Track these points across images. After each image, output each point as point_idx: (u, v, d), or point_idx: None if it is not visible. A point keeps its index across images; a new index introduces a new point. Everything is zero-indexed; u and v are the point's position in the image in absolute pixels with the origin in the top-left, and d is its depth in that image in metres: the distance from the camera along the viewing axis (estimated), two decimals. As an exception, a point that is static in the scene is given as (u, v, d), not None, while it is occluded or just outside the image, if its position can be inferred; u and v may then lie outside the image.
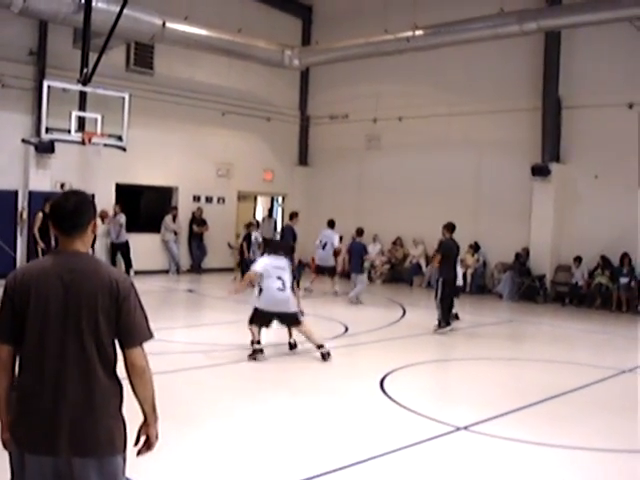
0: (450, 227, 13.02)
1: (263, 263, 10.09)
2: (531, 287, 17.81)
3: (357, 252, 16.67)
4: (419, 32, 17.70)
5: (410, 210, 20.65)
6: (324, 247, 17.59)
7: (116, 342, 3.18)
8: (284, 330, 10.28)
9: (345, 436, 6.71)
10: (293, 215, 17.68)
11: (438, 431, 6.91)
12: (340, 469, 5.78)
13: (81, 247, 3.20)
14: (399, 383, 8.86)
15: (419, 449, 6.42)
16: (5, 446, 3.13)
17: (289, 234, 17.10)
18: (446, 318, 12.66)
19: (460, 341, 12.24)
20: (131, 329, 3.15)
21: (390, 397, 8.08)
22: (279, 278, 9.81)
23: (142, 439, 3.29)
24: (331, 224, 18.03)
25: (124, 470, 3.16)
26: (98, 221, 3.34)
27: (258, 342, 9.79)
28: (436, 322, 12.63)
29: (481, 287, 18.88)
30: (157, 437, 3.33)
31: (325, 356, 9.81)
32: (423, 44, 17.94)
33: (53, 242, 16.26)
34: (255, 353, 9.72)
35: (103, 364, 3.08)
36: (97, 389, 3.04)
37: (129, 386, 3.21)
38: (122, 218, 18.82)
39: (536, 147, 18.35)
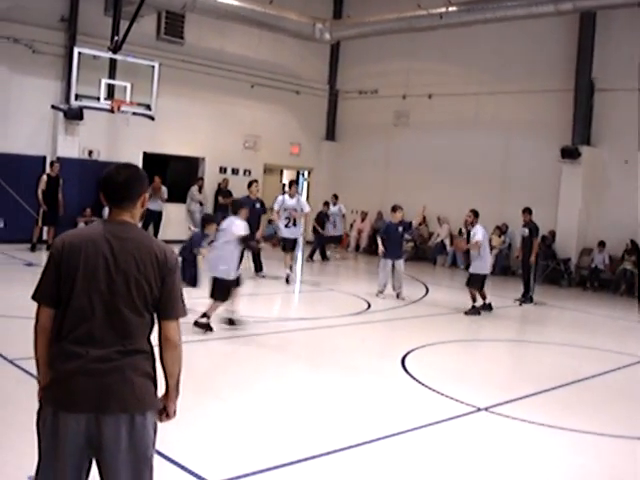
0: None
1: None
2: (556, 270, 17.68)
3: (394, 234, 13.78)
4: (453, 8, 17.49)
5: (436, 189, 20.51)
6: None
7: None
8: (307, 304, 10.24)
9: (365, 413, 6.72)
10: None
11: (459, 411, 6.89)
12: (360, 445, 5.79)
13: (129, 219, 3.25)
14: (421, 361, 8.86)
15: (439, 428, 6.41)
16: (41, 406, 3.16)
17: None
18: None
19: (482, 322, 12.19)
20: (172, 302, 3.20)
21: (411, 375, 8.07)
22: None
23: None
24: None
25: (156, 428, 3.20)
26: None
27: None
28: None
29: (505, 268, 18.77)
30: (175, 413, 3.37)
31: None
32: (456, 21, 17.74)
33: (62, 210, 16.64)
34: None
35: (142, 329, 3.13)
36: (135, 351, 3.10)
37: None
38: (165, 193, 19.09)
39: (566, 129, 18.13)
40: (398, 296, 13.38)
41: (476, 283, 12.58)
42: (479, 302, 12.63)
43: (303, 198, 14.68)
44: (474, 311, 12.47)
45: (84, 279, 3.06)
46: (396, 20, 18.82)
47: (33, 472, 3.12)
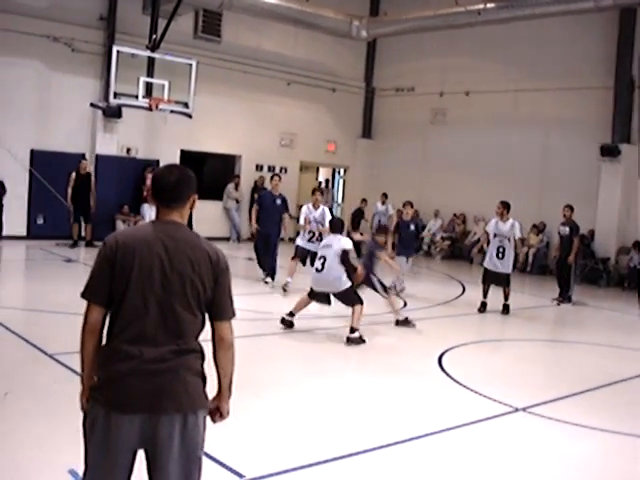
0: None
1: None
2: (594, 270, 17.47)
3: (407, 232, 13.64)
4: (490, 5, 17.31)
5: (473, 187, 20.39)
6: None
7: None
8: (341, 307, 10.19)
9: (403, 411, 6.70)
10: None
11: (496, 411, 6.84)
12: (397, 443, 5.78)
13: (179, 219, 3.26)
14: (458, 361, 8.80)
15: (477, 428, 6.37)
16: (83, 407, 3.18)
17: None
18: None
19: (520, 322, 12.08)
20: (224, 303, 3.23)
21: (448, 374, 8.03)
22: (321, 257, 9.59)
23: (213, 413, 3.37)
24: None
25: (205, 425, 3.21)
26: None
27: None
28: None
29: (543, 267, 18.59)
30: (228, 413, 3.39)
31: (351, 340, 9.26)
32: (494, 17, 17.56)
33: (93, 205, 16.81)
34: None
35: (195, 328, 3.16)
36: (188, 350, 3.11)
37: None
38: None
39: (606, 127, 17.89)
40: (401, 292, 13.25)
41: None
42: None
43: (327, 210, 12.88)
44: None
45: (139, 279, 3.07)
46: (433, 17, 18.70)
47: (73, 466, 3.14)
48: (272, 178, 13.79)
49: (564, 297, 14.07)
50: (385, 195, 20.38)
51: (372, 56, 24.09)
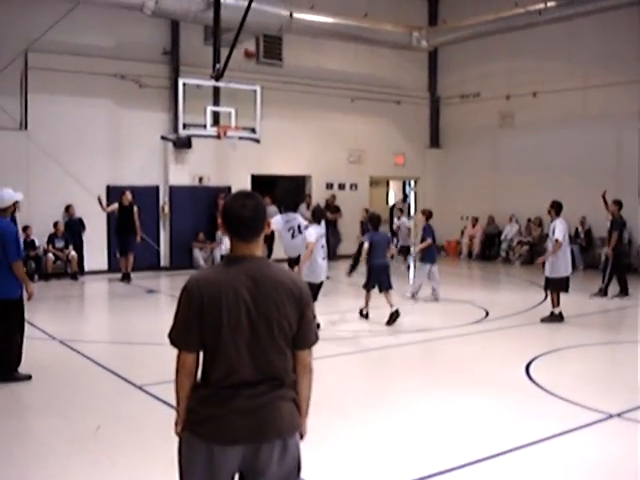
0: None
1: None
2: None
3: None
4: (551, 3, 17.06)
5: (548, 189, 19.85)
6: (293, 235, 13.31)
7: None
8: (424, 314, 10.14)
9: (495, 425, 6.57)
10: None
11: (590, 419, 6.65)
12: (493, 457, 5.67)
13: (257, 251, 3.21)
14: (546, 369, 8.60)
15: (571, 437, 6.19)
16: (179, 434, 3.24)
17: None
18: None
19: (606, 324, 11.76)
20: (308, 332, 3.23)
21: (537, 384, 7.85)
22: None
23: None
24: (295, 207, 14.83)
25: (299, 445, 3.26)
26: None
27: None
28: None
29: (626, 266, 18.04)
30: (306, 433, 3.39)
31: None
32: (556, 15, 17.29)
33: (138, 238, 16.41)
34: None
35: (286, 365, 3.18)
36: (281, 384, 3.15)
37: None
38: (273, 210, 19.26)
39: (682, 116, 17.35)
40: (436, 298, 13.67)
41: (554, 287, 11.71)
42: (557, 308, 11.67)
43: (312, 228, 10.71)
44: (552, 318, 11.58)
45: (229, 328, 3.07)
46: (493, 21, 18.51)
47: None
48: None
49: (621, 293, 13.90)
50: (401, 210, 20.69)
51: (434, 65, 23.95)
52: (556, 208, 11.63)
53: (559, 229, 11.41)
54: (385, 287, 11.36)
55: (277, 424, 3.10)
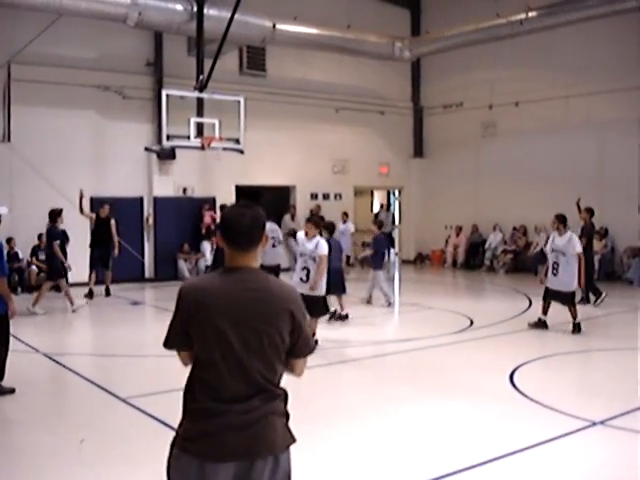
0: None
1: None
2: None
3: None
4: (532, 13, 17.23)
5: (531, 197, 20.12)
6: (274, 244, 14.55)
7: None
8: (408, 323, 10.16)
9: (479, 433, 6.59)
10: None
11: (573, 426, 6.67)
12: (475, 466, 5.68)
13: (253, 263, 3.17)
14: (529, 377, 8.63)
15: (555, 445, 6.21)
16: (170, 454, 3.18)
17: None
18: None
19: (590, 331, 11.79)
20: (302, 344, 3.19)
21: (521, 392, 7.88)
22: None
23: None
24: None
25: (290, 460, 3.21)
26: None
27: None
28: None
29: (610, 273, 18.19)
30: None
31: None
32: (537, 26, 17.46)
33: (116, 252, 15.68)
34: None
35: (277, 379, 3.15)
36: (272, 398, 3.11)
37: None
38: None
39: (663, 125, 17.52)
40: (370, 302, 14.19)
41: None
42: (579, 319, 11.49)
43: (323, 241, 10.27)
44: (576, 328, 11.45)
45: (217, 338, 3.04)
46: (475, 31, 18.66)
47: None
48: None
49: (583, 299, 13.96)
50: (346, 214, 19.73)
51: (418, 75, 24.10)
52: (564, 222, 11.53)
53: (578, 242, 11.41)
54: (339, 291, 12.00)
55: (270, 440, 3.06)
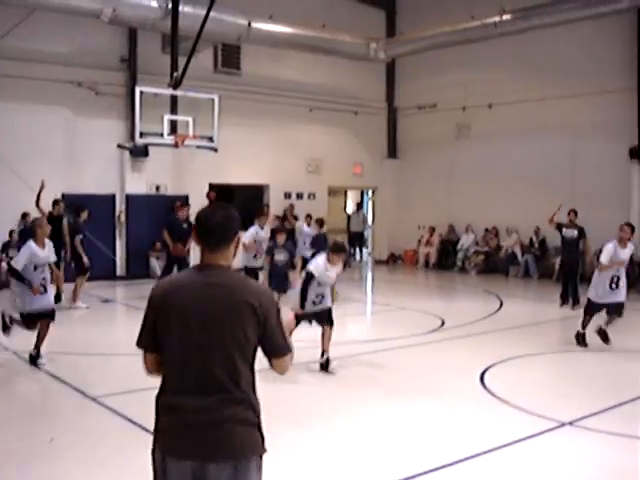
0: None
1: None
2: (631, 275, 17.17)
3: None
4: (507, 16, 17.31)
5: (503, 199, 20.26)
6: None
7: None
8: (379, 324, 10.18)
9: (447, 433, 6.63)
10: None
11: (542, 427, 6.73)
12: (443, 467, 5.72)
13: (223, 262, 3.21)
14: (500, 378, 8.70)
15: (523, 446, 6.27)
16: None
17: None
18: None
19: (560, 333, 11.92)
20: (277, 342, 3.20)
21: (491, 392, 7.94)
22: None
23: None
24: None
25: (260, 471, 3.16)
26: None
27: None
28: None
29: (580, 276, 18.30)
30: None
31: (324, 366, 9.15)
32: (512, 29, 17.53)
33: (67, 256, 14.32)
34: None
35: (239, 379, 3.10)
36: (233, 401, 3.08)
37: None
38: None
39: (633, 129, 17.70)
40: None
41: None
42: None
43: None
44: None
45: (180, 331, 3.08)
46: (450, 33, 18.71)
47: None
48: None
49: (574, 300, 14.05)
50: (310, 216, 18.59)
51: (392, 76, 24.15)
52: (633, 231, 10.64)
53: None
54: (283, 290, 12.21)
55: (227, 446, 3.04)
